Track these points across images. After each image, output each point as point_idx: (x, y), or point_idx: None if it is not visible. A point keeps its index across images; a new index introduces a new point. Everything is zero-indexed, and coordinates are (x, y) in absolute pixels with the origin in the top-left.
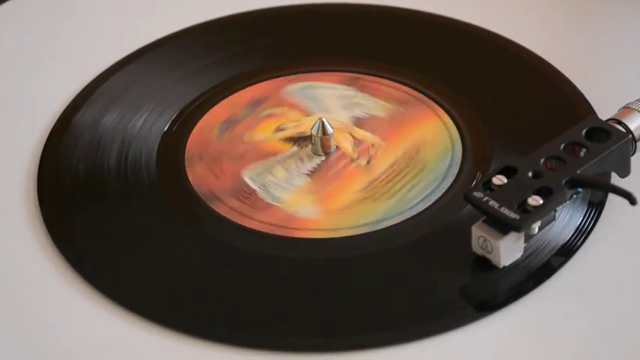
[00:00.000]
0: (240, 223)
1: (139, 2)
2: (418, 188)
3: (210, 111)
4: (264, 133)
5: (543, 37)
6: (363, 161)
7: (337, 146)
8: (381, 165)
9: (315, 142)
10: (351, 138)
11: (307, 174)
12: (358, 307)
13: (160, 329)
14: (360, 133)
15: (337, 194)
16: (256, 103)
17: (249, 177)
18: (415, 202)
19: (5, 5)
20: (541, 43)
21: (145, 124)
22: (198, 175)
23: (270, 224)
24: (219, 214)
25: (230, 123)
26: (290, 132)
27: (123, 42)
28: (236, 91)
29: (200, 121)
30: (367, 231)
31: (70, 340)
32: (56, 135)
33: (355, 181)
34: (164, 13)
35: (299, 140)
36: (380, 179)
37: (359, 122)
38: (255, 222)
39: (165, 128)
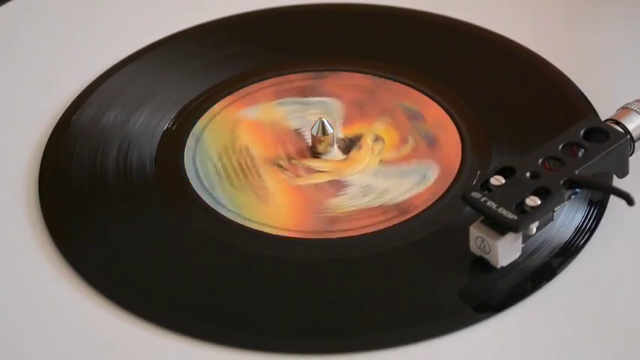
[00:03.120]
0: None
1: (140, 2)
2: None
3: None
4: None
5: (544, 37)
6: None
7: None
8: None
9: (319, 142)
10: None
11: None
12: (357, 309)
13: (159, 330)
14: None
15: None
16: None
17: None
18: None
19: (6, 5)
20: (541, 43)
21: (144, 123)
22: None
23: None
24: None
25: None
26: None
27: (123, 42)
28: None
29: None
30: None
31: (69, 339)
32: (57, 135)
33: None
34: (164, 13)
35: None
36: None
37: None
38: None
39: (165, 128)
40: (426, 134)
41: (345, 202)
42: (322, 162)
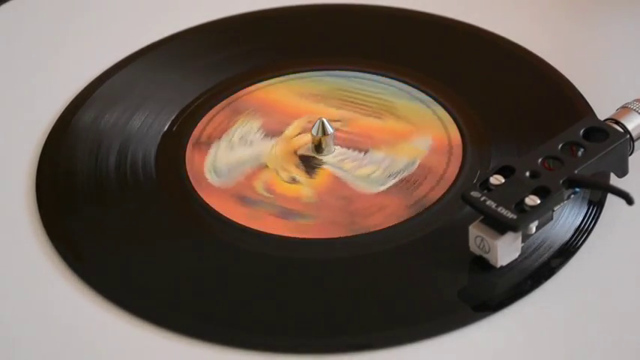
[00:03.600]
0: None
1: (140, 2)
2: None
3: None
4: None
5: (543, 37)
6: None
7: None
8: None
9: (318, 143)
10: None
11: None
12: (357, 308)
13: (158, 330)
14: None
15: None
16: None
17: None
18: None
19: (6, 5)
20: (541, 43)
21: (144, 124)
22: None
23: None
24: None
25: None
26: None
27: (123, 42)
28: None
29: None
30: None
31: (68, 340)
32: (56, 135)
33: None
34: (164, 13)
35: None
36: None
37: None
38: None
39: (165, 128)
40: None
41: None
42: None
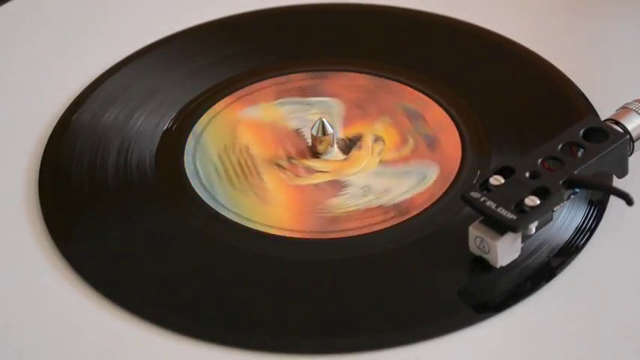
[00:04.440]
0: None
1: (140, 2)
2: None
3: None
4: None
5: (544, 37)
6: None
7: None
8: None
9: (319, 142)
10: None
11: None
12: (357, 308)
13: (159, 329)
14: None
15: None
16: None
17: None
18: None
19: (5, 6)
20: (541, 43)
21: (145, 123)
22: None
23: None
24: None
25: None
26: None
27: (123, 42)
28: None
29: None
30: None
31: (68, 339)
32: (57, 135)
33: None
34: (164, 13)
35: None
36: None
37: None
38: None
39: (165, 128)
40: (426, 135)
41: (345, 203)
42: (322, 162)
